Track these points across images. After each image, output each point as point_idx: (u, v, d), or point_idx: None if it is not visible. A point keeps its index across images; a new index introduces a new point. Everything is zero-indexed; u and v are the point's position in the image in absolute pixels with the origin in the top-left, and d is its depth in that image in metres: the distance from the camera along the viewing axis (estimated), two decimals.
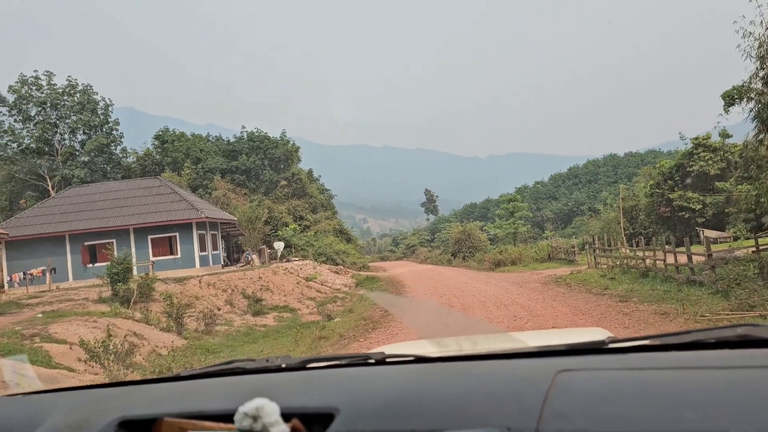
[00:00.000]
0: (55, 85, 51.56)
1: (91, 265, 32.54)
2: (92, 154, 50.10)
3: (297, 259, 42.29)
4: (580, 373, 1.16)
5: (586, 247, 31.59)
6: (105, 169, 51.88)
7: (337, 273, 40.88)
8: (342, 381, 1.41)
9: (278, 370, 1.61)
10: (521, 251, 39.28)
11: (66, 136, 51.95)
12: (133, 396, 1.56)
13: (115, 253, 33.15)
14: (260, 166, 56.45)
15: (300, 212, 56.13)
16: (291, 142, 61.45)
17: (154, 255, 32.83)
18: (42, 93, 50.92)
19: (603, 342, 1.38)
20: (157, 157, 56.39)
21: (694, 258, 17.23)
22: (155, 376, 1.82)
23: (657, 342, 1.30)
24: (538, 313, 15.31)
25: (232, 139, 60.18)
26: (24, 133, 50.74)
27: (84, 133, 52.48)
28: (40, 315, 18.16)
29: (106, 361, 11.10)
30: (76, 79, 52.35)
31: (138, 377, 10.35)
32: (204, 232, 34.61)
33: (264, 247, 39.59)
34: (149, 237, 32.89)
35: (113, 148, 53.20)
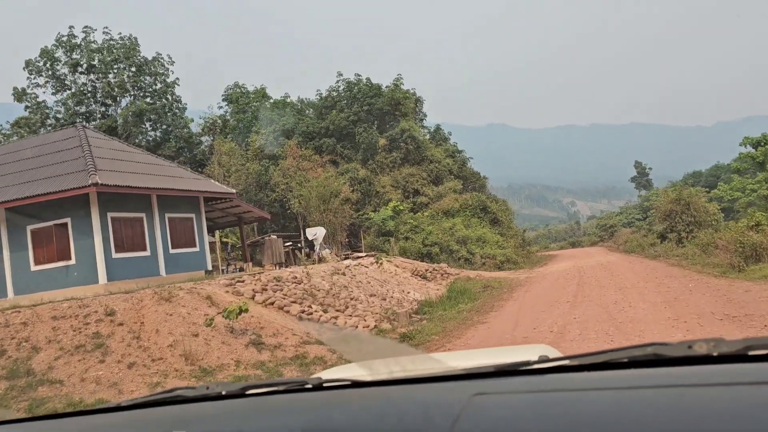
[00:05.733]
0: (93, 42, 40.08)
1: None
2: (129, 124, 37.31)
3: (364, 255, 24.93)
4: (494, 397, 1.15)
5: None
6: (156, 141, 39.19)
7: (425, 278, 22.77)
8: (275, 408, 1.42)
9: (218, 397, 1.54)
10: None
11: (105, 102, 40.14)
12: (70, 428, 1.53)
13: None
14: (356, 123, 39.54)
15: (413, 184, 38.31)
16: (410, 90, 43.75)
17: (38, 261, 17.68)
18: (78, 55, 39.69)
19: (528, 363, 1.32)
20: (232, 122, 42.63)
21: None
22: (97, 407, 1.70)
23: (575, 362, 1.27)
24: None
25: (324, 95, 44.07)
26: (61, 107, 39.98)
27: (137, 98, 40.29)
28: None
29: None
30: (119, 32, 40.35)
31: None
32: (141, 215, 18.74)
33: (272, 237, 22.80)
34: (28, 228, 17.81)
35: (167, 115, 40.19)
